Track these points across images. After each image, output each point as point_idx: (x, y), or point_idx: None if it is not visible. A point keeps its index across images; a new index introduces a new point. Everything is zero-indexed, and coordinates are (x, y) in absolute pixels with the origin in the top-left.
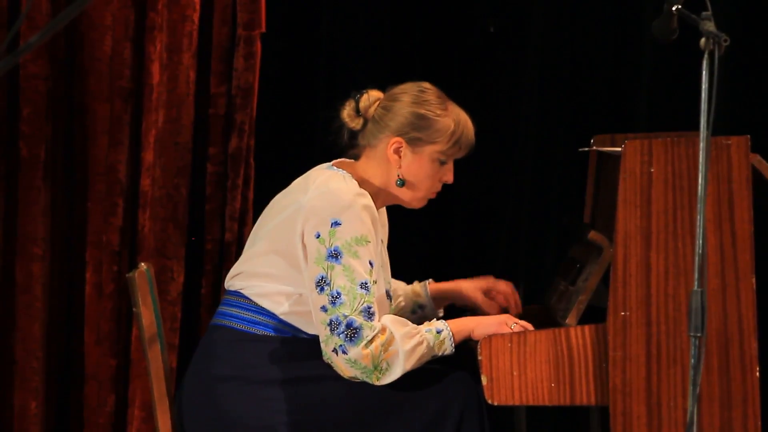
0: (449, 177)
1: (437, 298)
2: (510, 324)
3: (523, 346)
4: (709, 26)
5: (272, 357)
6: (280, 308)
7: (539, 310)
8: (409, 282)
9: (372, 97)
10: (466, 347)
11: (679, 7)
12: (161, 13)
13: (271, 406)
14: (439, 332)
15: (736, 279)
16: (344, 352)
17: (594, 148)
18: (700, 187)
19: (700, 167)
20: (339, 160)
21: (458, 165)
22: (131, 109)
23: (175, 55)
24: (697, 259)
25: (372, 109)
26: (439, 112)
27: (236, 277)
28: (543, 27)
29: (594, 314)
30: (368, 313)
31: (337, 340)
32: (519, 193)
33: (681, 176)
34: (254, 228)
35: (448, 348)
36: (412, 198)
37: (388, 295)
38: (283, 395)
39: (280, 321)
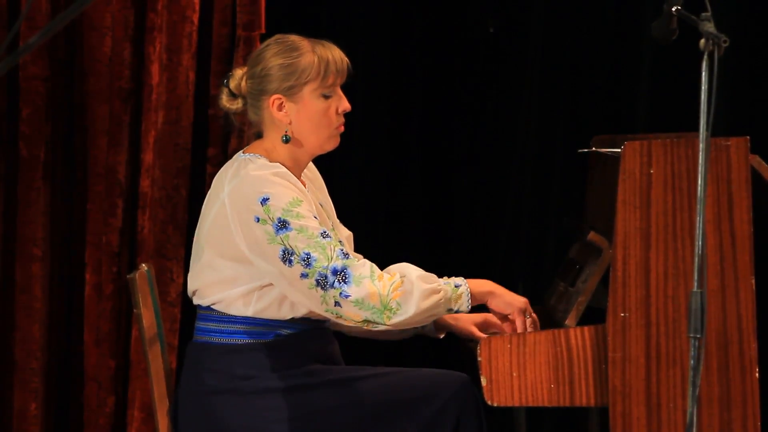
0: (344, 104)
1: (435, 326)
2: (523, 306)
3: (522, 347)
4: (709, 27)
5: (261, 367)
6: (249, 309)
7: (539, 311)
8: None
9: (237, 74)
10: (466, 348)
11: (679, 7)
12: (161, 14)
13: (267, 416)
14: (457, 286)
15: (736, 280)
16: (347, 296)
17: (594, 149)
18: (699, 188)
19: (700, 168)
20: (250, 144)
21: (458, 165)
22: (131, 109)
23: (175, 56)
24: (696, 260)
25: (243, 84)
26: (295, 54)
27: (196, 295)
28: (543, 27)
29: (593, 315)
30: (344, 254)
31: (333, 292)
32: (519, 193)
33: (680, 177)
34: (195, 235)
35: (464, 304)
36: (318, 141)
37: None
38: (279, 404)
39: (255, 322)
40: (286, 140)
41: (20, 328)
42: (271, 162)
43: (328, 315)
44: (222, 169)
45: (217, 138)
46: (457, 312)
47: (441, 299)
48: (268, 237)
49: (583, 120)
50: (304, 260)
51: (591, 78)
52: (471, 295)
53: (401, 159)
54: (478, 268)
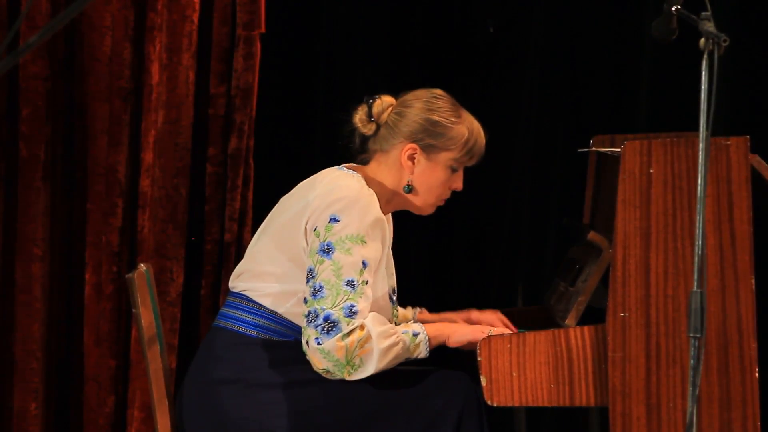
0: (459, 184)
1: None
2: (486, 332)
3: (522, 347)
4: (709, 26)
5: (272, 361)
6: (282, 307)
7: (539, 311)
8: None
9: (385, 102)
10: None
11: (679, 7)
12: (161, 13)
13: (271, 410)
14: (415, 335)
15: (736, 280)
16: (318, 343)
17: (593, 148)
18: (699, 188)
19: (700, 168)
20: (349, 164)
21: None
22: (131, 109)
23: (175, 56)
24: (696, 259)
25: (385, 115)
26: (453, 119)
27: (240, 277)
28: (543, 27)
29: (593, 315)
30: (350, 311)
31: (312, 332)
32: (519, 193)
33: (680, 177)
34: (260, 228)
35: (422, 352)
36: (423, 204)
37: (391, 299)
38: (284, 399)
39: (282, 321)
40: (408, 190)
41: (20, 328)
42: (368, 188)
43: (302, 343)
44: (321, 172)
45: (217, 137)
46: (416, 359)
47: (400, 351)
48: (311, 249)
49: (583, 120)
50: (315, 289)
51: (591, 78)
52: (429, 342)
53: None
54: (478, 269)
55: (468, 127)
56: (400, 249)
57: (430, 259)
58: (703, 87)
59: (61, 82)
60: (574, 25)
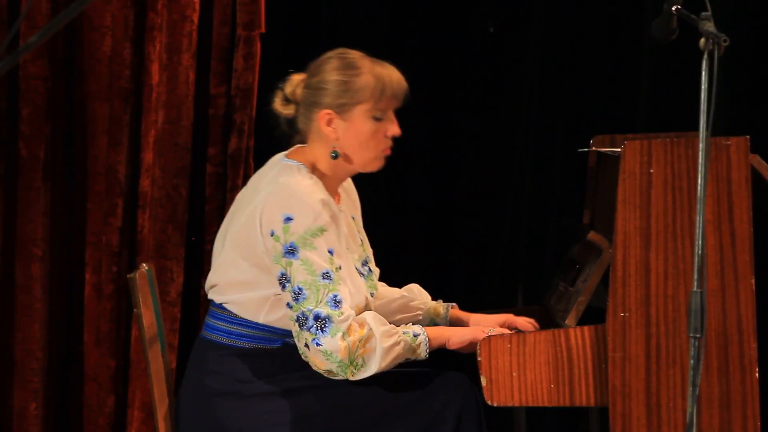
0: (395, 130)
1: (454, 325)
2: (486, 332)
3: (522, 347)
4: (709, 26)
5: (266, 370)
6: (261, 316)
7: (539, 311)
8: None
9: (294, 80)
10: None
11: (679, 7)
12: (161, 13)
13: (268, 419)
14: (416, 336)
15: (736, 280)
16: (318, 344)
17: (593, 148)
18: (699, 188)
19: (700, 168)
20: (291, 149)
21: (458, 165)
22: (131, 109)
23: (175, 56)
24: (696, 259)
25: (298, 91)
26: (353, 72)
27: (213, 290)
28: (543, 27)
29: (593, 315)
30: (334, 302)
31: (307, 335)
32: (519, 193)
33: (680, 177)
34: (220, 230)
35: (422, 353)
36: (363, 161)
37: (362, 273)
38: (281, 408)
39: (264, 327)
40: (335, 156)
41: (20, 328)
42: (312, 175)
43: (298, 347)
44: (262, 168)
45: (217, 137)
46: (415, 360)
47: (401, 351)
48: (275, 255)
49: (583, 120)
50: (295, 294)
51: (591, 78)
52: (429, 343)
53: (401, 159)
54: (478, 268)
55: (373, 74)
56: (400, 249)
57: (430, 259)
58: (703, 87)
59: (61, 82)
60: (574, 25)
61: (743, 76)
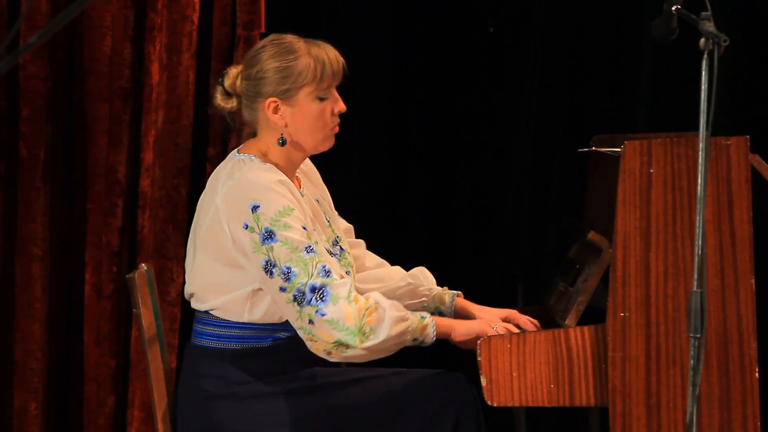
0: (340, 106)
1: (459, 314)
2: (493, 326)
3: (522, 347)
4: (709, 26)
5: (259, 371)
6: (244, 315)
7: (539, 311)
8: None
9: (233, 73)
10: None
11: (679, 7)
12: (161, 13)
13: (264, 421)
14: (423, 318)
15: (736, 279)
16: (322, 315)
17: (593, 148)
18: (699, 188)
19: (700, 168)
20: (241, 145)
21: (458, 165)
22: (131, 109)
23: (175, 56)
24: (696, 259)
25: (238, 84)
26: (291, 56)
27: (193, 299)
28: (543, 27)
29: (593, 315)
30: (325, 271)
31: (309, 309)
32: (519, 193)
33: (680, 177)
34: (189, 238)
35: (429, 335)
36: (314, 143)
37: (333, 254)
38: (277, 409)
39: (252, 327)
40: (282, 143)
41: (20, 328)
42: (265, 163)
43: (301, 334)
44: (217, 168)
45: (217, 137)
46: (421, 344)
47: (409, 327)
48: (254, 245)
49: (583, 120)
50: (285, 274)
51: (591, 78)
52: (435, 328)
53: (401, 159)
54: (478, 268)
55: (311, 55)
56: (400, 248)
57: (430, 259)
58: (703, 87)
59: (61, 82)
60: (574, 24)
61: (743, 76)
